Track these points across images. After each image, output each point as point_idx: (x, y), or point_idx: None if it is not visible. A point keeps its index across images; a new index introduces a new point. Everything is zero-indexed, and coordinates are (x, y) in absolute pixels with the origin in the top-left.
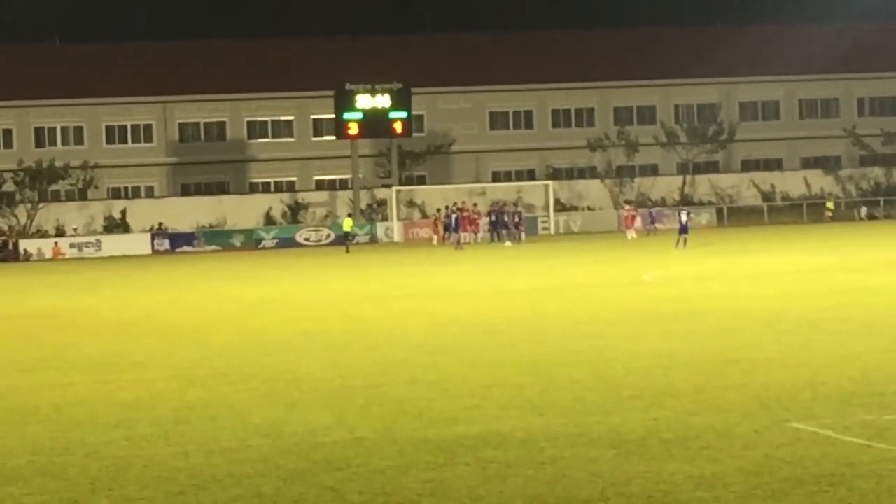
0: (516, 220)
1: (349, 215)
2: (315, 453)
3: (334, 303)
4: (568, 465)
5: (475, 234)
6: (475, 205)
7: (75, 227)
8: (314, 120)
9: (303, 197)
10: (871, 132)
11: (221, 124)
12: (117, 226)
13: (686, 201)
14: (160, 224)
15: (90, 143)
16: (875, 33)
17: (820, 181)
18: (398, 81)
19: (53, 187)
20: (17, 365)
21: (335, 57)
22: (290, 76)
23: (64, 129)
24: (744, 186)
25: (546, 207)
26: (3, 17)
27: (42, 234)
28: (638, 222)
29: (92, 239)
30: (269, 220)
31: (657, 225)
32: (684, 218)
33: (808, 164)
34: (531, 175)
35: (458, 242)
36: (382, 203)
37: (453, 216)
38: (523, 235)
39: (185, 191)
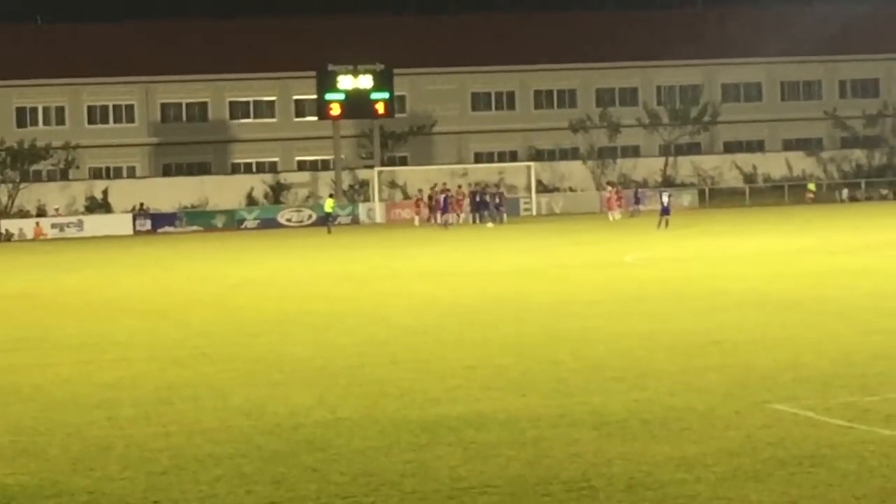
0: (497, 200)
1: (331, 196)
2: (296, 434)
3: (316, 283)
4: (549, 445)
5: (458, 214)
6: (459, 186)
7: (57, 207)
8: (296, 101)
9: (285, 178)
10: (852, 114)
11: (203, 105)
12: (99, 206)
13: (668, 183)
14: (142, 204)
15: (72, 124)
16: (856, 16)
17: (802, 163)
18: (380, 62)
19: (35, 167)
20: None
21: (317, 37)
22: (272, 57)
23: (45, 110)
24: (726, 168)
25: (528, 189)
26: None
27: (23, 214)
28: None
29: (73, 219)
30: (251, 201)
31: (640, 206)
32: (666, 199)
33: (789, 145)
34: (513, 156)
35: (446, 223)
36: (364, 184)
37: (442, 197)
38: (505, 216)
39: (167, 171)
